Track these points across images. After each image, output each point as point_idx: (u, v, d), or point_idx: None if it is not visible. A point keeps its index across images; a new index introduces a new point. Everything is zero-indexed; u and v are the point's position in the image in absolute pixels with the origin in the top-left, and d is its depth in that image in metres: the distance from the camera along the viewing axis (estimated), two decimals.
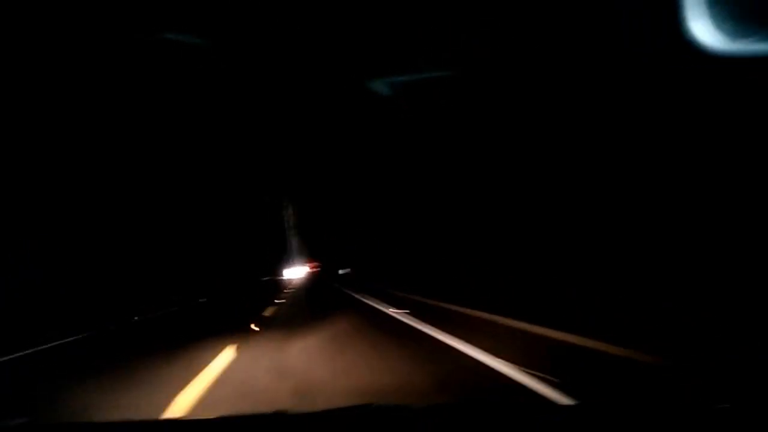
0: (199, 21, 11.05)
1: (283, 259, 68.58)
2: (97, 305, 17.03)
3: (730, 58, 4.83)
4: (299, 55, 13.13)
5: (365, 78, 13.47)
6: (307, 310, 17.34)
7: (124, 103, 17.45)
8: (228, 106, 19.57)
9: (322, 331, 9.37)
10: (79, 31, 11.59)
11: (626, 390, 4.74)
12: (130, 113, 18.37)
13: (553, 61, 9.62)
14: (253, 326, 10.89)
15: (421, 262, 24.84)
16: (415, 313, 11.35)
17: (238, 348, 7.73)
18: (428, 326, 8.86)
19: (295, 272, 63.90)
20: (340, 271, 53.60)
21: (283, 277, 61.03)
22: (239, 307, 19.25)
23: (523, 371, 5.39)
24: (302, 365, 6.27)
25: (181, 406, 4.62)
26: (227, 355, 7.23)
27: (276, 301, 20.61)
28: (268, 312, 15.56)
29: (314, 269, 66.51)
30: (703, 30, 4.67)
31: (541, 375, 5.24)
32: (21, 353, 8.47)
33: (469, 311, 11.73)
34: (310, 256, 67.88)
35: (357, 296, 20.20)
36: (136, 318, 16.69)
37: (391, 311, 13.38)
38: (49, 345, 8.77)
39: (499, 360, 5.74)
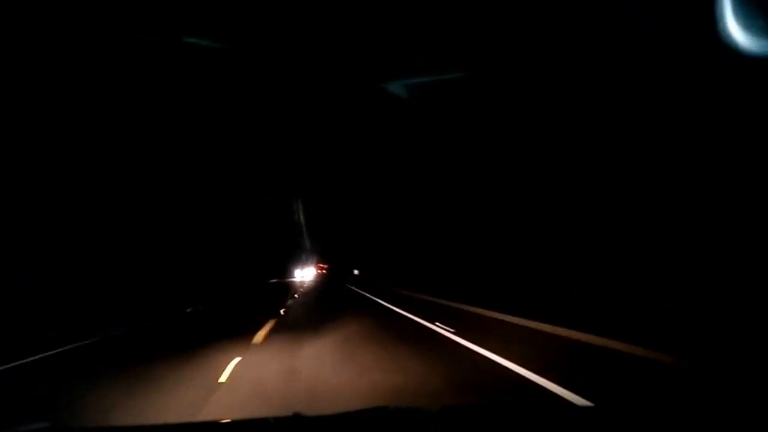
0: (212, 22, 10.96)
1: (293, 260, 71.13)
2: (96, 305, 16.88)
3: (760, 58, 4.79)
4: (309, 60, 13.12)
5: (374, 81, 13.52)
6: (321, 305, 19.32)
7: (127, 104, 17.32)
8: (238, 107, 19.50)
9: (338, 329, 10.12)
10: (85, 32, 11.46)
11: (626, 390, 4.73)
12: (133, 114, 18.24)
13: (556, 65, 9.58)
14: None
15: (423, 262, 25.06)
16: (416, 310, 13.81)
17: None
18: (429, 322, 10.67)
19: (306, 273, 69.58)
20: (352, 272, 55.33)
21: (295, 279, 64.79)
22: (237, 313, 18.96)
23: (514, 362, 6.05)
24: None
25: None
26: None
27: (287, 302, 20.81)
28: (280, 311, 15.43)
29: (324, 271, 68.97)
30: (735, 29, 4.62)
31: (537, 367, 5.62)
32: (30, 359, 8.36)
33: (466, 307, 13.76)
34: (320, 257, 70.81)
35: (368, 295, 22.75)
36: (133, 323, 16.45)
37: (396, 308, 15.12)
38: (56, 351, 8.71)
39: (489, 350, 6.83)
